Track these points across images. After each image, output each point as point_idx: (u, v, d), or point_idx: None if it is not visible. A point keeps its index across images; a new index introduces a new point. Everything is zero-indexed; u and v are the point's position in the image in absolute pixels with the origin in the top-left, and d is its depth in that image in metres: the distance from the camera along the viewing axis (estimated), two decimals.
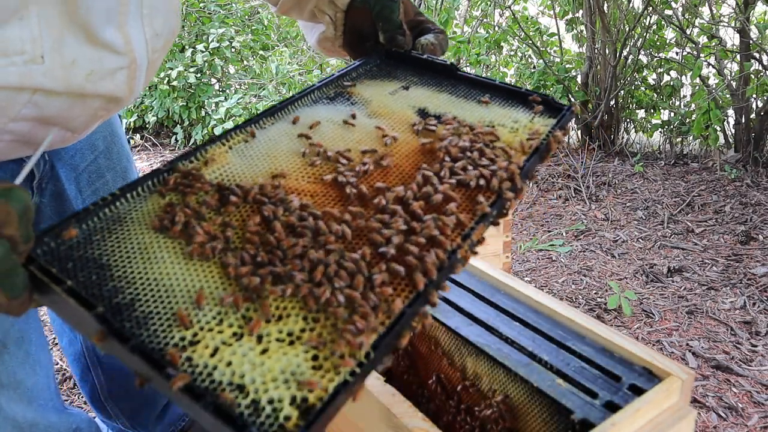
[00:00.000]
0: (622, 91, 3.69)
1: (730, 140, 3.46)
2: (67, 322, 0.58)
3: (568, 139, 4.08)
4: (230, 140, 0.73)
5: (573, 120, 0.79)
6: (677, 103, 3.76)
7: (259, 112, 0.77)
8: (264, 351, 0.50)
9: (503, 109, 0.82)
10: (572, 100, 3.77)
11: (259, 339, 0.51)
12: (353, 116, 0.79)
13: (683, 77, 3.66)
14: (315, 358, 0.50)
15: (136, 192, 0.64)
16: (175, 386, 0.46)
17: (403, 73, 0.90)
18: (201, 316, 0.52)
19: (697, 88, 3.57)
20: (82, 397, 1.75)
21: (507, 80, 3.97)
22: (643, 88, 3.80)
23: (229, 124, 3.87)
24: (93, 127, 0.84)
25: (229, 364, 0.49)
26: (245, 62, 4.76)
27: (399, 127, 0.78)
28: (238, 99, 4.09)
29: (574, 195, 3.17)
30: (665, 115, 3.81)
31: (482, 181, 0.66)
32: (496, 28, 4.06)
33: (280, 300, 0.54)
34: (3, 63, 0.62)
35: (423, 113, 0.81)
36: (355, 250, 0.59)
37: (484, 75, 4.03)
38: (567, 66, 3.81)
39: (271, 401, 0.47)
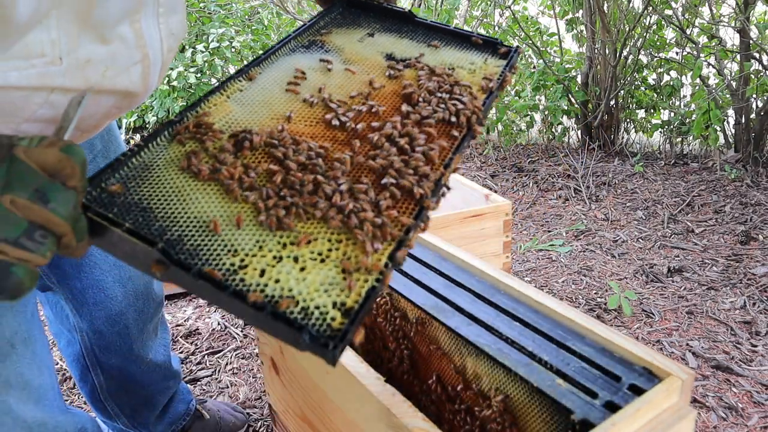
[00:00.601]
0: (622, 91, 3.69)
1: (730, 140, 3.46)
2: (121, 260, 0.64)
3: (568, 139, 4.08)
4: (227, 90, 0.79)
5: (517, 58, 0.92)
6: (677, 103, 3.76)
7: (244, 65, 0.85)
8: (302, 269, 0.60)
9: (460, 52, 0.92)
10: (572, 100, 3.77)
11: (296, 260, 0.60)
12: (330, 63, 0.87)
13: (683, 77, 3.65)
14: (344, 270, 0.60)
15: (156, 142, 0.70)
16: (252, 300, 0.55)
17: (366, 21, 0.97)
18: (244, 244, 0.61)
19: (697, 88, 3.57)
20: (81, 397, 1.75)
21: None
22: (643, 88, 3.80)
23: None
24: (102, 127, 0.85)
25: (277, 281, 0.58)
26: (245, 62, 4.76)
27: (373, 72, 0.86)
28: None
29: (574, 195, 3.17)
30: (665, 115, 3.81)
31: (454, 118, 0.78)
32: (496, 28, 4.05)
33: (307, 226, 0.64)
34: (23, 66, 0.64)
35: (391, 58, 0.90)
36: (360, 182, 0.68)
37: None
38: (567, 66, 3.80)
39: (317, 307, 0.56)
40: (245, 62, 4.74)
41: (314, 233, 0.63)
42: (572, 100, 3.77)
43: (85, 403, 1.72)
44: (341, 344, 0.54)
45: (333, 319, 0.55)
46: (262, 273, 0.59)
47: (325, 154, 0.71)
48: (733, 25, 3.19)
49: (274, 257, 0.60)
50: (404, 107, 0.79)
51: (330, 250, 0.62)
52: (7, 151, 0.55)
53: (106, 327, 1.18)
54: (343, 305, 0.57)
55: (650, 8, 3.37)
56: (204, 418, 1.47)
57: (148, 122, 4.40)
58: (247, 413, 1.62)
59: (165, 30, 0.78)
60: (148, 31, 0.75)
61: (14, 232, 0.53)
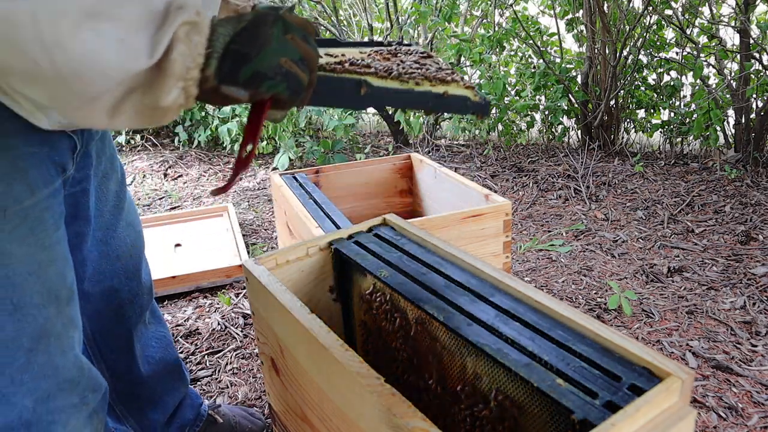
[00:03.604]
0: (622, 91, 3.69)
1: (730, 140, 3.46)
2: (329, 101, 0.85)
3: (568, 138, 4.08)
4: None
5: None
6: (677, 103, 3.76)
7: None
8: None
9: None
10: (572, 100, 3.77)
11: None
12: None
13: (683, 77, 3.66)
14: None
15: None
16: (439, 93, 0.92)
17: None
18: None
19: (697, 88, 3.57)
20: None
21: (508, 81, 3.96)
22: (643, 88, 3.80)
23: (233, 124, 3.87)
24: None
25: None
26: None
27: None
28: None
29: (574, 195, 3.18)
30: (665, 115, 3.81)
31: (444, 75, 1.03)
32: (497, 28, 4.05)
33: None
34: None
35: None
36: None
37: (486, 74, 3.99)
38: (567, 66, 3.80)
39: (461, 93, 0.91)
40: None
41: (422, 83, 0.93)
42: (572, 100, 3.77)
43: None
44: (490, 104, 0.81)
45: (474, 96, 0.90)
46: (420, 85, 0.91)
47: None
48: (733, 25, 3.20)
49: (417, 84, 0.90)
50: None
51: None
52: (277, 13, 0.74)
53: (102, 304, 1.18)
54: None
55: (650, 8, 3.37)
56: (217, 422, 1.47)
57: None
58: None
59: None
60: None
61: (295, 55, 0.74)
